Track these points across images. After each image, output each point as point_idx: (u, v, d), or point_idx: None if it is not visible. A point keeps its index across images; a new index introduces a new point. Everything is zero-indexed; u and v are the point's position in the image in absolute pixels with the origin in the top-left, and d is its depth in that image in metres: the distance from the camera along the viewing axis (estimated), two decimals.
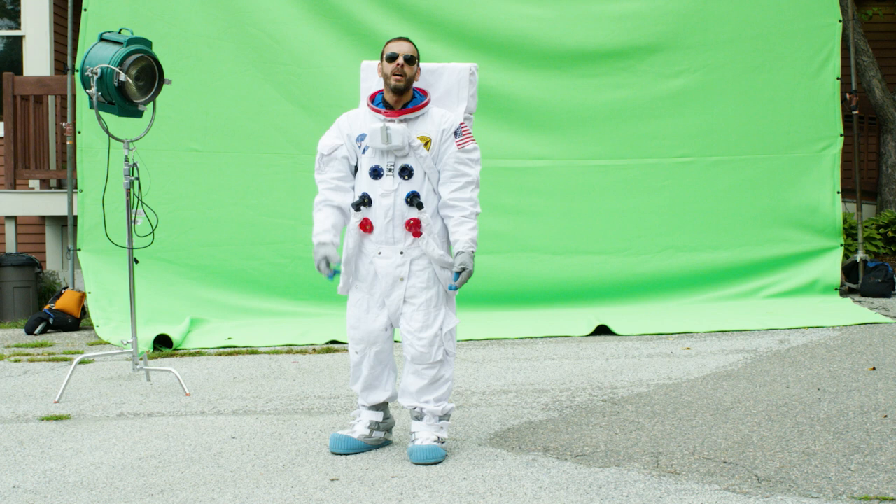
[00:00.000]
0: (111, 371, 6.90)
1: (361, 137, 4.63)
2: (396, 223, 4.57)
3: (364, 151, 4.61)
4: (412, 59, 4.59)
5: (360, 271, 4.66)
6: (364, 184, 4.61)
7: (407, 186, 4.57)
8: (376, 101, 4.67)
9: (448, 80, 4.83)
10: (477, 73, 4.89)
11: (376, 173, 4.58)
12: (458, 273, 4.49)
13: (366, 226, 4.60)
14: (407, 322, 4.61)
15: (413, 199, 4.55)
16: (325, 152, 4.67)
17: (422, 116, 4.62)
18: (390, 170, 4.57)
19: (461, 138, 4.60)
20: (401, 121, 4.59)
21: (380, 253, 4.61)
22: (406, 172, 4.56)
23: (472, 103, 4.86)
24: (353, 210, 4.61)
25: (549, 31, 9.15)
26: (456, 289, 4.52)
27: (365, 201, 4.59)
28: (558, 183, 9.14)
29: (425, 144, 4.57)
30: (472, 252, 4.52)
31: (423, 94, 4.69)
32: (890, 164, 11.66)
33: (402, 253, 4.59)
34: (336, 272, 4.61)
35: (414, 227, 4.56)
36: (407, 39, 4.67)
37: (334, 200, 4.63)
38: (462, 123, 4.65)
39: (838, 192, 9.31)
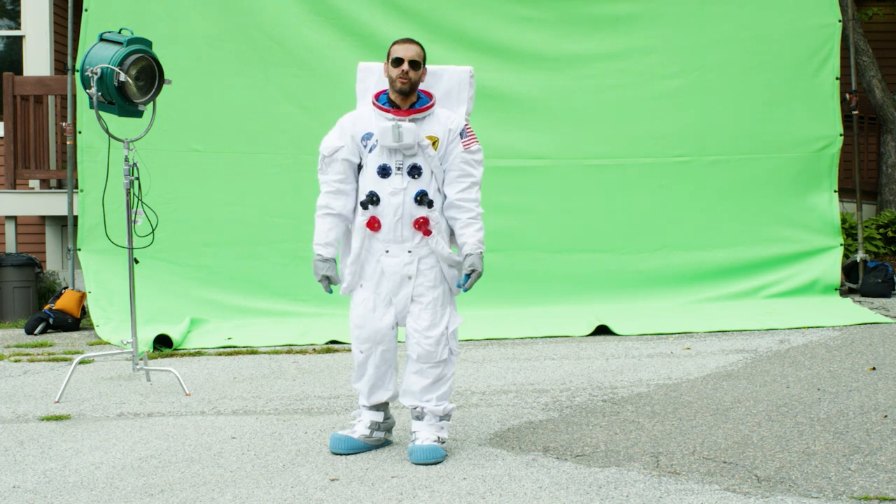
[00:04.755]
0: (111, 371, 6.90)
1: (367, 136, 4.63)
2: (405, 222, 4.58)
3: (371, 150, 4.62)
4: (417, 64, 4.59)
5: (367, 270, 4.66)
6: (372, 182, 4.61)
7: (416, 185, 4.58)
8: (381, 100, 4.67)
9: (448, 82, 4.84)
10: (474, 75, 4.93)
11: (385, 172, 4.59)
12: (468, 275, 4.54)
13: (373, 224, 4.61)
14: (414, 321, 4.62)
15: (423, 198, 4.57)
16: (326, 154, 4.68)
17: (429, 117, 4.65)
18: (399, 168, 4.58)
19: (467, 139, 4.65)
20: (410, 120, 4.60)
21: (387, 251, 4.62)
22: (416, 171, 4.57)
23: (471, 106, 4.89)
24: (360, 208, 4.62)
25: (548, 33, 9.16)
26: (466, 290, 4.57)
27: (373, 200, 4.59)
28: (557, 182, 9.15)
29: (433, 144, 4.59)
30: (481, 253, 4.60)
31: (428, 96, 4.71)
32: (890, 164, 11.66)
33: (410, 252, 4.60)
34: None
35: (423, 226, 4.57)
36: (413, 41, 4.67)
37: (334, 208, 4.66)
38: (467, 125, 4.69)
39: (835, 192, 9.31)
